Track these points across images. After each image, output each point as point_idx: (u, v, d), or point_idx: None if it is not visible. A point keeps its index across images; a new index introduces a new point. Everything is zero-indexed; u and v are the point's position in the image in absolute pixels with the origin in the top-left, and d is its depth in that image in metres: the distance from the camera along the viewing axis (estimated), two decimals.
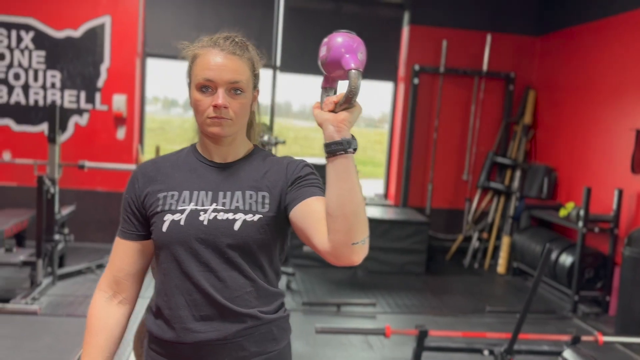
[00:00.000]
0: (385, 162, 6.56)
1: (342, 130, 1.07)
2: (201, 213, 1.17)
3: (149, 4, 5.62)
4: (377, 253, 5.31)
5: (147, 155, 5.92)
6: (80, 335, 3.42)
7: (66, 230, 4.52)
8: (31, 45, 5.29)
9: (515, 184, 5.94)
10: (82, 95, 5.44)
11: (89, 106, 5.46)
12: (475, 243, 5.99)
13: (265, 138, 4.45)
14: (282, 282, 4.73)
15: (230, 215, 1.17)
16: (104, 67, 5.45)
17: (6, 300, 3.69)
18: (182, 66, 1.27)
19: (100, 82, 5.45)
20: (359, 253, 1.08)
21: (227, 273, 1.17)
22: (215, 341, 1.16)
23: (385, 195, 6.53)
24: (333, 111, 1.09)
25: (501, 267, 5.72)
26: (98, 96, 5.46)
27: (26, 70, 5.32)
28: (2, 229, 4.23)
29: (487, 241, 6.01)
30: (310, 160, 1.50)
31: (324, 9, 6.05)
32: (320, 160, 5.65)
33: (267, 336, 1.22)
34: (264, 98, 6.29)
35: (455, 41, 5.98)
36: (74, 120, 5.44)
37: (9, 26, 5.23)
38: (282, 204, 1.21)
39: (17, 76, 5.30)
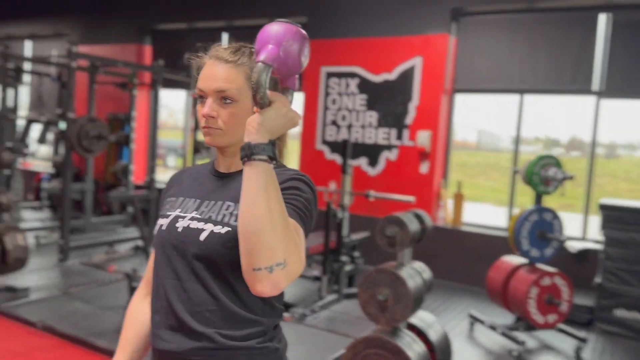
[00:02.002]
0: None
1: (250, 133, 0.94)
2: (179, 220, 1.16)
3: (460, 40, 5.68)
4: None
5: (451, 189, 5.91)
6: (334, 350, 3.64)
7: (356, 254, 4.92)
8: (355, 90, 6.07)
9: None
10: (393, 132, 5.87)
11: (398, 142, 5.85)
12: None
13: (550, 173, 3.87)
14: (569, 347, 3.93)
15: (201, 225, 1.13)
16: (412, 106, 5.77)
17: (292, 306, 4.28)
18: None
19: (409, 120, 5.78)
20: (262, 282, 0.90)
21: (192, 285, 1.12)
22: (174, 353, 1.12)
23: None
24: None
25: None
26: (406, 133, 5.80)
27: (350, 112, 6.11)
28: (306, 246, 4.94)
29: None
30: None
31: None
32: None
33: None
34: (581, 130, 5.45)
35: None
36: (385, 155, 5.92)
37: (340, 75, 6.15)
38: None
39: (343, 117, 6.15)
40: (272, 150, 0.93)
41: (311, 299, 4.59)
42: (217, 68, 1.14)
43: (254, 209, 0.90)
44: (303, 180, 1.11)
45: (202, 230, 1.12)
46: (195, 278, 1.12)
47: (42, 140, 6.69)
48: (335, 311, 4.44)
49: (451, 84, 5.74)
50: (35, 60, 6.65)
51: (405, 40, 5.78)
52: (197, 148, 6.43)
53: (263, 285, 0.90)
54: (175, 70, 6.65)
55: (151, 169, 6.20)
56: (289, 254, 0.90)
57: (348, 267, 4.75)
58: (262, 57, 0.92)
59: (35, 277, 4.73)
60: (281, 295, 1.18)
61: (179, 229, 1.15)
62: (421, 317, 3.00)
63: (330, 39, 6.19)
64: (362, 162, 6.04)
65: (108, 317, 3.91)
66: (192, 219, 1.15)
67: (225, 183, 1.19)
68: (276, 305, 1.17)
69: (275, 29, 0.94)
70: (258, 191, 0.91)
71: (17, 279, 4.47)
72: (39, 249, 5.79)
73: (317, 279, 4.65)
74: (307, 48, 0.96)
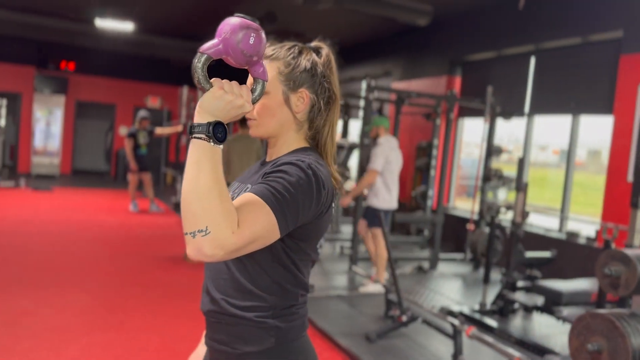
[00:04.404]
0: None
1: (194, 115, 1.05)
2: None
3: None
4: None
5: None
6: None
7: None
8: None
9: None
10: None
11: None
12: None
13: None
14: None
15: None
16: None
17: (548, 351, 3.77)
18: None
19: None
20: (189, 245, 0.99)
21: None
22: (204, 313, 1.27)
23: None
24: None
25: None
26: None
27: None
28: (591, 292, 4.28)
29: None
30: None
31: None
32: None
33: (232, 330, 1.19)
34: None
35: None
36: None
37: None
38: None
39: None
40: (209, 129, 1.01)
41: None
42: None
43: (185, 180, 1.01)
44: (297, 165, 1.11)
45: None
46: None
47: (344, 163, 7.67)
48: None
49: None
50: (351, 96, 7.72)
51: None
52: (488, 176, 6.29)
53: (189, 247, 0.98)
54: (483, 98, 6.66)
55: (438, 194, 6.37)
56: (215, 224, 0.96)
57: None
58: (204, 46, 1.03)
59: (324, 278, 5.49)
60: (296, 278, 1.20)
61: None
62: None
63: None
64: None
65: (361, 322, 4.24)
66: None
67: (259, 169, 1.29)
68: (287, 287, 1.19)
69: (222, 24, 1.03)
70: (190, 165, 1.01)
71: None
72: (340, 257, 6.64)
73: None
74: (252, 38, 1.01)
